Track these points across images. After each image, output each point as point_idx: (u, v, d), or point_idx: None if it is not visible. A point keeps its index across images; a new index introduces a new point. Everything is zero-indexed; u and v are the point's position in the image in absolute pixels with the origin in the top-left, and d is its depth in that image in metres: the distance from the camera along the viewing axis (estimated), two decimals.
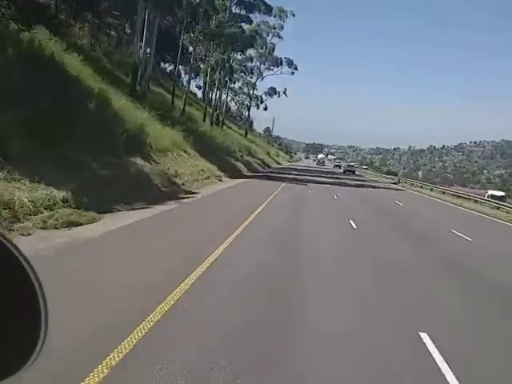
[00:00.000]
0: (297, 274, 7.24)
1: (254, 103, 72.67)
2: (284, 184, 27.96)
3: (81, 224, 8.63)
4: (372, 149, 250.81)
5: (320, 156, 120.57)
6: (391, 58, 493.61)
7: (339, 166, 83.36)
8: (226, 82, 55.38)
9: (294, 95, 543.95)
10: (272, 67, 69.76)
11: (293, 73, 69.35)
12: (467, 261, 10.39)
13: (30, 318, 0.87)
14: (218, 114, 48.06)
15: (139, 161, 16.20)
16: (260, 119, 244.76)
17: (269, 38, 64.63)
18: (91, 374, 3.38)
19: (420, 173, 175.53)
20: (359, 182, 43.63)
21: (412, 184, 50.18)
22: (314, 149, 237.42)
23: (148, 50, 29.27)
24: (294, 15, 61.95)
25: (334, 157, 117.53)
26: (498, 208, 27.44)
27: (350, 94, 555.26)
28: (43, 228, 7.93)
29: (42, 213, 8.33)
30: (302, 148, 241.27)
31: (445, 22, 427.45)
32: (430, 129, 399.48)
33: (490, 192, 38.66)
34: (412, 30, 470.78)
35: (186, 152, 23.83)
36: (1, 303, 0.86)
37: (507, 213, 25.32)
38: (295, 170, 55.70)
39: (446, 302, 6.71)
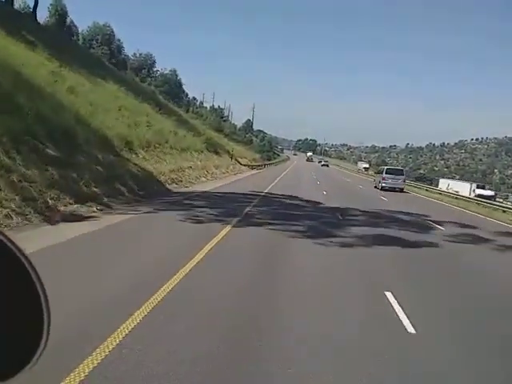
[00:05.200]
0: None
1: None
2: None
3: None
4: (367, 147, 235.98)
5: (309, 154, 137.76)
6: (385, 47, 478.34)
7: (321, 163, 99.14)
8: None
9: (284, 91, 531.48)
10: None
11: None
12: None
13: (32, 317, 0.84)
14: None
15: None
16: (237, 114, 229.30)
17: None
18: None
19: (421, 172, 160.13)
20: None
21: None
22: (306, 145, 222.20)
23: None
24: None
25: (366, 165, 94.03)
26: None
27: (343, 90, 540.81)
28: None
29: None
30: (292, 146, 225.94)
31: (437, 7, 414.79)
32: (429, 124, 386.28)
33: None
34: (406, 18, 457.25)
35: None
36: (1, 304, 0.84)
37: None
38: None
39: None
